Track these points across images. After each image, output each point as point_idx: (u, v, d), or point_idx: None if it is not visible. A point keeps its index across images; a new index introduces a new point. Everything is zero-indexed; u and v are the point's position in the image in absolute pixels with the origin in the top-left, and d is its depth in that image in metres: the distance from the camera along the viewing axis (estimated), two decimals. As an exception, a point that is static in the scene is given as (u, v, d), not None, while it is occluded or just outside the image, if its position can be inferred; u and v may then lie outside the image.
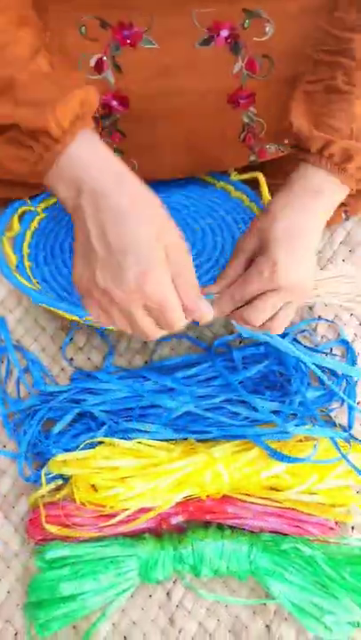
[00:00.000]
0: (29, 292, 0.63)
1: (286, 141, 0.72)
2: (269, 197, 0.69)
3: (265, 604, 0.60)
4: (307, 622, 0.57)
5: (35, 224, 0.75)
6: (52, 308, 0.62)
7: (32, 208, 0.75)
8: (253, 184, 0.75)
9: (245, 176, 0.76)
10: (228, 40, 0.62)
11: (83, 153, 0.49)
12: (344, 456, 0.60)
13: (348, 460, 0.60)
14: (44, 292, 0.67)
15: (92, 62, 0.62)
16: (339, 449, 0.61)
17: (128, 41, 0.61)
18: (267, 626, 0.59)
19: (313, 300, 0.68)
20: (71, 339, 0.72)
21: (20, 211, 0.74)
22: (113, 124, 0.68)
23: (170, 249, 0.49)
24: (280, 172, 0.65)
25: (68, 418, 0.64)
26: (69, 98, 0.48)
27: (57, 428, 0.63)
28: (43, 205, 0.76)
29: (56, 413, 0.65)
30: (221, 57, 0.63)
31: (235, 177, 0.77)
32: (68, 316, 0.62)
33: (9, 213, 0.72)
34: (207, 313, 0.52)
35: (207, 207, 0.77)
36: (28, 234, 0.74)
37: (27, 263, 0.71)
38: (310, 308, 0.74)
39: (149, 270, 0.47)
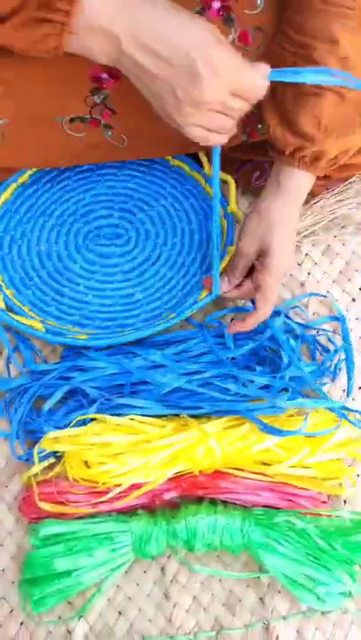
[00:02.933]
0: (31, 332, 0.67)
1: None
2: (235, 206, 0.74)
3: (258, 577, 0.60)
4: (300, 594, 0.58)
5: None
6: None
7: None
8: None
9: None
10: (221, 13, 0.61)
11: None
12: (346, 417, 0.62)
13: (352, 422, 0.62)
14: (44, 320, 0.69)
15: None
16: (342, 415, 0.62)
17: None
18: (260, 598, 0.60)
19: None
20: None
21: None
22: (103, 100, 0.67)
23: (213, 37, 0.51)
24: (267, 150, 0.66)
25: (59, 395, 0.63)
26: None
27: (47, 406, 0.63)
28: None
29: (46, 391, 0.64)
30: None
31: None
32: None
33: None
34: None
35: (154, 184, 0.77)
36: None
37: (7, 292, 0.70)
38: (302, 284, 0.74)
39: (213, 56, 0.49)
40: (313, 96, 0.58)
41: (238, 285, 0.66)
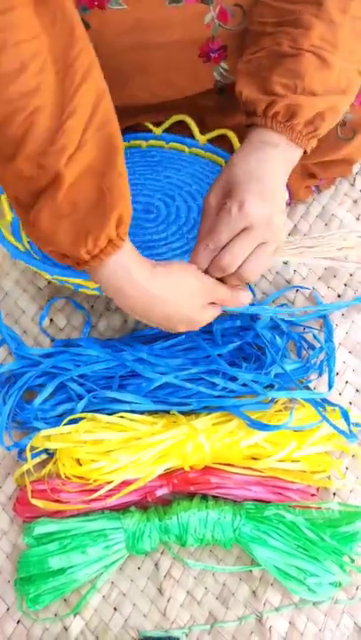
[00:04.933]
0: (9, 248, 0.65)
1: None
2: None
3: (250, 570, 0.61)
4: (291, 586, 0.59)
5: None
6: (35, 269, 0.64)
7: None
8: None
9: (213, 134, 0.76)
10: None
11: (111, 277, 0.52)
12: (324, 418, 0.62)
13: (328, 421, 0.62)
14: (29, 252, 0.68)
15: None
16: (320, 412, 0.62)
17: (96, 2, 0.60)
18: (253, 591, 0.61)
19: (291, 259, 0.67)
20: (51, 320, 0.73)
21: None
22: None
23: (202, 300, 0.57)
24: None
25: (49, 389, 0.64)
26: (107, 223, 0.48)
27: (37, 401, 0.64)
28: None
29: (36, 382, 0.65)
30: (193, 10, 0.62)
31: (203, 140, 0.77)
32: (42, 273, 0.64)
33: None
34: (247, 298, 0.60)
35: (196, 179, 0.77)
36: None
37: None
38: (288, 281, 0.75)
39: (195, 326, 0.58)
40: (290, 57, 0.55)
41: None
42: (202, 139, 0.77)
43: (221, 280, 0.58)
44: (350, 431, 0.62)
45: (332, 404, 0.64)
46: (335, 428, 0.62)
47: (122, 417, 0.63)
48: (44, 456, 0.63)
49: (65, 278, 0.62)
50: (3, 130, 0.44)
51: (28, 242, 0.71)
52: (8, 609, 0.60)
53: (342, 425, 0.63)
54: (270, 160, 0.56)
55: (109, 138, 0.48)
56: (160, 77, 0.67)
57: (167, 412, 0.64)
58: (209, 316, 0.59)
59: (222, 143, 0.76)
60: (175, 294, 0.55)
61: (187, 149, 0.78)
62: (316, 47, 0.55)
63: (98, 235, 0.48)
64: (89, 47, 0.48)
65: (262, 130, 0.57)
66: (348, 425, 0.63)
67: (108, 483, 0.60)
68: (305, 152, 0.58)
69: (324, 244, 0.68)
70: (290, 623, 0.59)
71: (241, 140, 0.63)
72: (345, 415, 0.63)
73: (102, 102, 0.47)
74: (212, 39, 0.63)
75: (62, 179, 0.45)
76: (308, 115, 0.55)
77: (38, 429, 0.63)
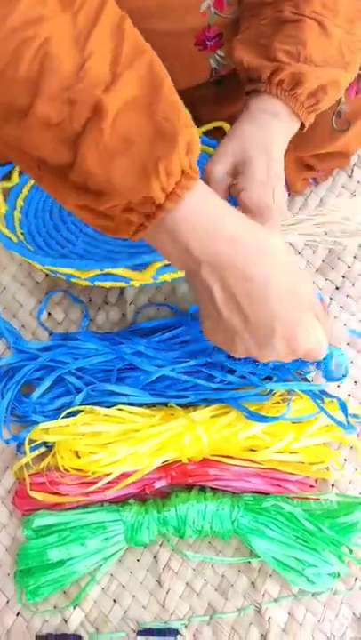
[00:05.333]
0: (2, 239, 0.64)
1: None
2: None
3: (249, 562, 0.61)
4: (290, 577, 0.59)
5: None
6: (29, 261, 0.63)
7: None
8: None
9: (209, 126, 0.76)
10: None
11: (189, 216, 0.42)
12: (322, 409, 0.62)
13: (326, 413, 0.62)
14: (22, 243, 0.68)
15: None
16: (318, 403, 0.62)
17: None
18: (252, 582, 0.61)
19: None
20: (49, 313, 0.73)
21: None
22: None
23: (307, 296, 0.47)
24: None
25: (47, 383, 0.65)
26: (175, 149, 0.39)
27: (36, 394, 0.64)
28: None
29: (34, 375, 0.66)
30: None
31: (198, 133, 0.77)
32: (35, 264, 0.62)
33: (11, 165, 0.73)
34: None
35: None
36: (26, 188, 0.74)
37: (16, 215, 0.71)
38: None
39: (298, 334, 0.45)
40: (292, 23, 0.55)
41: None
42: (197, 131, 0.76)
43: None
44: (348, 423, 0.62)
45: (331, 396, 0.64)
46: (333, 419, 0.62)
47: (120, 409, 0.63)
48: (42, 449, 0.64)
49: (57, 268, 0.61)
50: (13, 70, 0.36)
51: (22, 233, 0.71)
52: (8, 601, 0.60)
53: (340, 417, 0.63)
54: (271, 126, 0.55)
55: (149, 65, 0.41)
56: None
57: (165, 404, 0.64)
58: (320, 333, 0.47)
59: (218, 136, 0.76)
60: (282, 270, 0.44)
61: None
62: (318, 14, 0.55)
63: (169, 161, 0.38)
64: None
65: (264, 97, 0.56)
66: (346, 416, 0.63)
67: (107, 475, 0.60)
68: (302, 127, 0.58)
69: (307, 220, 0.67)
70: (289, 614, 0.60)
71: None
72: (343, 407, 0.63)
73: (127, 32, 0.41)
74: (208, 27, 0.63)
75: (104, 107, 0.37)
76: (311, 85, 0.55)
77: (37, 422, 0.63)
